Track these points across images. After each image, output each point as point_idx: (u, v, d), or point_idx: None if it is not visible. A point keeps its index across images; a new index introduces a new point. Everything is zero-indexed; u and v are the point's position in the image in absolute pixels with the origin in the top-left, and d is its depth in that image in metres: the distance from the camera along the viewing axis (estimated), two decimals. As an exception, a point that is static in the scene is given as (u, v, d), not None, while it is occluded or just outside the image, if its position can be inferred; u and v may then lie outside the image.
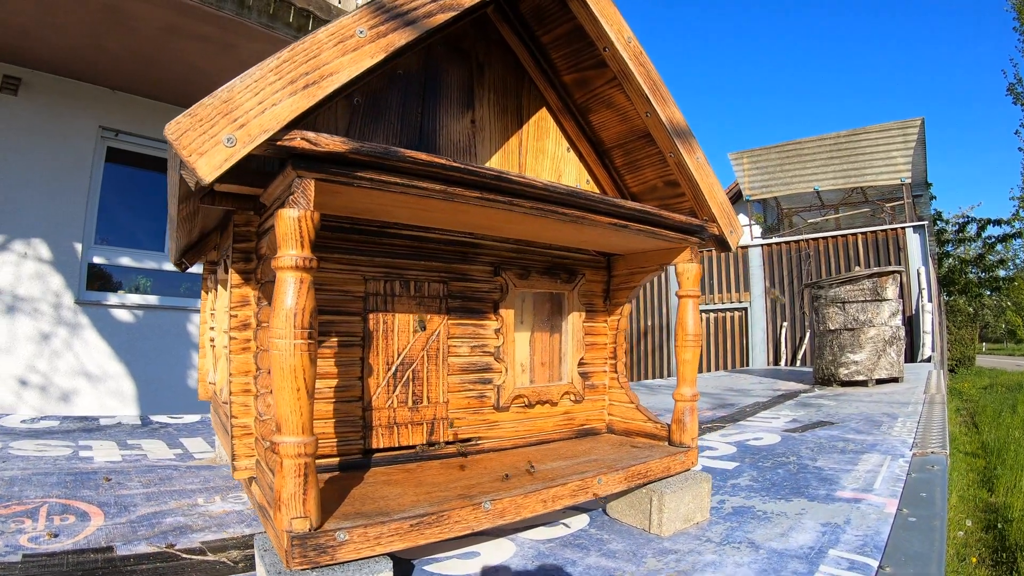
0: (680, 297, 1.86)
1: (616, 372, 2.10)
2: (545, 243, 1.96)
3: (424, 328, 1.68)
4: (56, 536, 1.47)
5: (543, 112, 1.95)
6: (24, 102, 5.63)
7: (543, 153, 1.94)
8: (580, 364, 2.05)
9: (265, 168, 1.32)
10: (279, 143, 1.06)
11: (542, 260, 1.97)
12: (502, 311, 1.84)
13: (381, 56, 1.20)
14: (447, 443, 1.73)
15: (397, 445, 1.63)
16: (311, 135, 1.11)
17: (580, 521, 1.79)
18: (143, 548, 1.45)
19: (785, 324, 10.72)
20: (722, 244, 1.89)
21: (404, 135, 1.64)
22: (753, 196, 13.21)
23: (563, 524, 1.75)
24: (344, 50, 1.16)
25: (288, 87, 1.07)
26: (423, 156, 1.23)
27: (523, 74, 1.89)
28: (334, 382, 1.54)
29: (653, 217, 1.67)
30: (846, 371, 5.66)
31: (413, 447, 1.66)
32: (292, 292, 1.10)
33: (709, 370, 11.35)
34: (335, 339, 1.54)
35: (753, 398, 4.91)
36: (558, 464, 1.66)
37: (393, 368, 1.64)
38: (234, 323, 1.46)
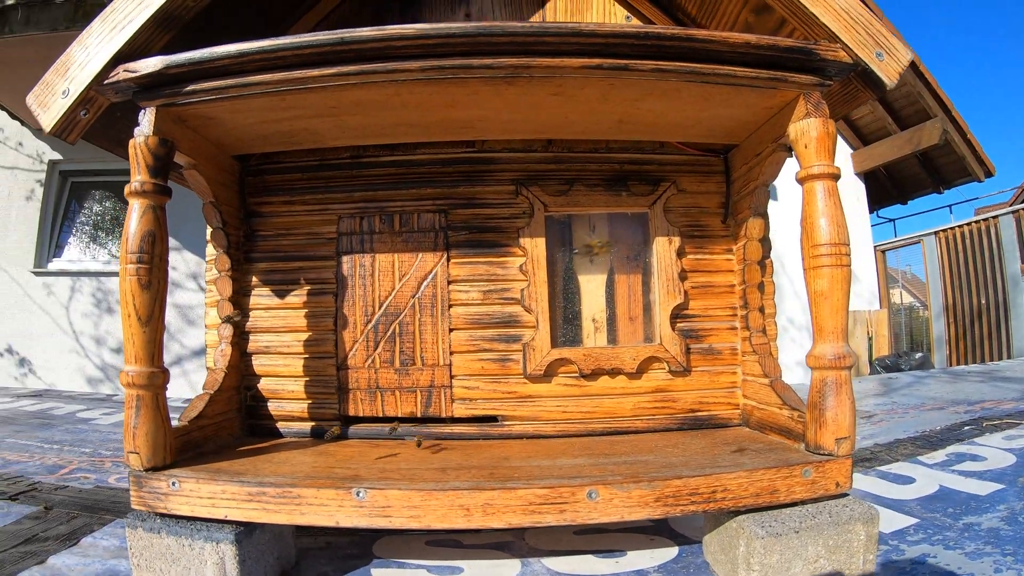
0: (801, 182, 1.04)
1: (749, 329, 1.30)
2: (597, 139, 1.36)
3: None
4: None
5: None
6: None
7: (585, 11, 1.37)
8: (679, 317, 1.33)
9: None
10: (107, 82, 1.05)
11: (598, 168, 1.37)
12: (525, 240, 1.34)
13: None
14: (452, 419, 1.32)
15: (381, 415, 1.33)
16: (131, 64, 1.04)
17: (657, 556, 1.15)
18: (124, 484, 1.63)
19: None
20: (869, 79, 0.98)
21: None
22: None
23: (625, 556, 1.15)
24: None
25: (110, 32, 1.05)
26: (242, 46, 1.00)
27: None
28: (304, 336, 1.35)
29: (680, 42, 0.96)
30: None
31: (402, 419, 1.32)
32: (133, 217, 1.05)
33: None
34: (306, 287, 1.36)
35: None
36: (576, 462, 1.09)
37: (374, 320, 1.35)
38: (208, 275, 1.42)
